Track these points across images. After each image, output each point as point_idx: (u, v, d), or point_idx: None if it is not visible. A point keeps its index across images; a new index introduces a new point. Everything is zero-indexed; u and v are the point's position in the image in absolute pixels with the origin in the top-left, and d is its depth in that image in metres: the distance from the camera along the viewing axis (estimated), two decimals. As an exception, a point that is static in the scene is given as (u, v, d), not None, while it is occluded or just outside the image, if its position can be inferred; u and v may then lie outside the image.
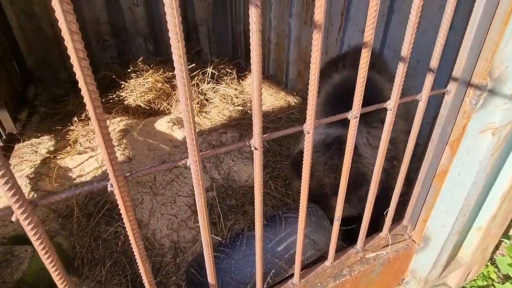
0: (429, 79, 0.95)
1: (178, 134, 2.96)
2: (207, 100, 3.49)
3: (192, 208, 2.13)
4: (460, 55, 1.01)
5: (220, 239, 1.70)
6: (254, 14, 0.57)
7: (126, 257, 1.74)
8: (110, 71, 3.65)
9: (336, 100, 1.62)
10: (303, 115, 2.61)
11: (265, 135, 0.75)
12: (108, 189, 0.62)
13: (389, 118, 0.93)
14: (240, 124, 2.98)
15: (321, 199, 1.51)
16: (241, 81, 4.06)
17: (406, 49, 0.83)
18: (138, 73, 3.61)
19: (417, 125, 1.04)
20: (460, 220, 1.39)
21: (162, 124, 3.08)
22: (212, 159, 2.56)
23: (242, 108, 3.33)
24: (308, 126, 0.79)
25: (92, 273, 1.67)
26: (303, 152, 1.59)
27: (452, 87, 1.06)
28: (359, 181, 1.46)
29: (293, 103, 3.48)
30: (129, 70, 3.65)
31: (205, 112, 3.30)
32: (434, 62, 0.92)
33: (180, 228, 1.98)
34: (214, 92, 3.61)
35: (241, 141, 2.75)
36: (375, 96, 1.52)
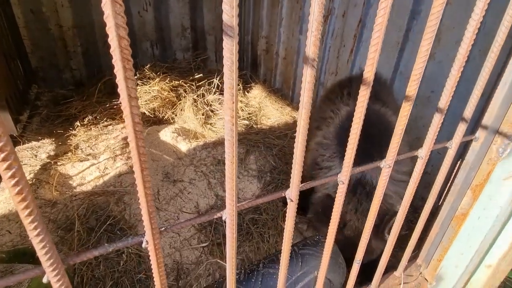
0: (461, 128, 0.94)
1: (182, 145, 2.92)
2: (212, 111, 3.46)
3: (196, 226, 2.09)
4: (492, 104, 1.00)
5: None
6: (309, 74, 0.55)
7: (128, 277, 1.68)
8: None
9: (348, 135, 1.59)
10: (309, 136, 2.52)
11: (302, 184, 0.73)
12: (143, 245, 0.58)
13: (420, 166, 0.91)
14: (246, 139, 2.95)
15: (351, 245, 1.45)
16: (246, 93, 4.04)
17: (444, 101, 0.82)
18: (144, 80, 3.57)
19: (445, 171, 1.02)
20: (474, 260, 1.38)
21: (166, 134, 3.04)
22: (217, 175, 2.52)
23: (248, 122, 3.30)
24: (344, 176, 0.76)
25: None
26: (328, 198, 1.53)
27: (481, 134, 1.05)
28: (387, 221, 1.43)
29: (298, 119, 3.46)
30: (135, 76, 3.60)
31: (210, 124, 3.27)
32: (468, 112, 0.91)
33: (183, 248, 1.94)
34: (219, 104, 3.58)
35: (247, 157, 2.72)
36: (384, 131, 1.50)
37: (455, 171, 1.16)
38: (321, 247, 1.31)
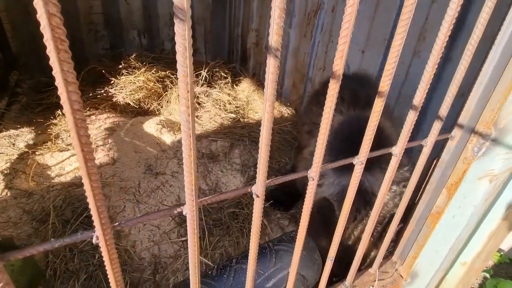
0: (436, 126, 0.93)
1: (166, 137, 2.87)
2: (199, 104, 3.40)
3: (176, 220, 2.06)
4: (467, 103, 0.99)
5: (206, 260, 1.64)
6: (272, 65, 0.52)
7: (103, 271, 1.65)
8: (100, 65, 3.50)
9: (341, 146, 1.53)
10: (296, 129, 2.55)
11: (268, 180, 0.70)
12: (94, 241, 0.55)
13: (394, 164, 0.90)
14: (231, 132, 2.92)
15: (350, 253, 1.43)
16: (235, 86, 3.99)
17: (419, 98, 0.81)
18: (130, 70, 3.48)
19: (420, 169, 1.01)
20: (448, 258, 1.39)
21: (150, 126, 2.98)
22: (201, 168, 2.49)
23: (234, 115, 3.26)
24: (313, 173, 0.74)
25: (65, 286, 1.58)
26: (324, 200, 1.50)
27: (456, 133, 1.04)
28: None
29: (286, 114, 3.44)
30: (120, 66, 3.52)
31: (197, 116, 3.22)
32: (443, 110, 0.90)
33: (162, 241, 1.91)
34: (206, 96, 3.53)
35: (231, 151, 2.69)
36: (383, 141, 1.46)
37: (431, 169, 1.16)
38: (297, 243, 1.31)
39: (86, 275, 1.62)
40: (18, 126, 2.95)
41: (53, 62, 0.38)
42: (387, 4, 2.21)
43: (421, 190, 1.22)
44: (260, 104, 3.61)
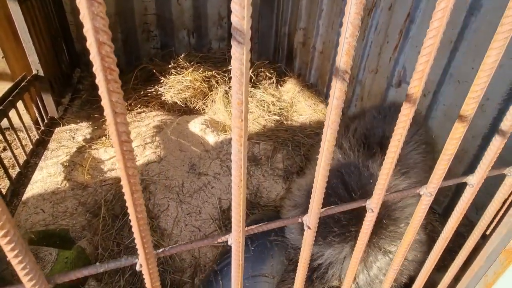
0: (526, 153, 0.78)
1: (210, 137, 2.90)
2: (243, 104, 3.39)
3: (217, 222, 2.06)
4: None
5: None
6: (338, 89, 0.45)
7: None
8: (152, 64, 3.65)
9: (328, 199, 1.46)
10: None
11: (323, 209, 0.63)
12: (137, 268, 0.53)
13: (469, 196, 0.77)
14: (274, 135, 2.86)
15: None
16: (279, 87, 3.92)
17: (509, 123, 0.67)
18: (178, 69, 3.58)
19: (500, 201, 0.86)
20: (523, 300, 1.19)
21: (195, 125, 3.04)
22: (242, 171, 2.47)
23: (278, 118, 3.20)
24: (374, 204, 0.65)
25: (111, 280, 1.65)
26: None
27: (549, 160, 0.87)
28: None
29: (332, 118, 3.29)
30: (169, 66, 3.64)
31: (240, 117, 3.21)
32: (537, 136, 0.74)
33: (202, 243, 1.92)
34: (250, 97, 3.50)
35: (274, 155, 2.63)
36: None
37: (510, 200, 0.99)
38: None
39: (131, 271, 1.68)
40: (78, 120, 3.19)
41: (102, 92, 0.34)
42: (456, 1, 1.98)
43: (496, 221, 1.05)
44: (305, 106, 3.50)
